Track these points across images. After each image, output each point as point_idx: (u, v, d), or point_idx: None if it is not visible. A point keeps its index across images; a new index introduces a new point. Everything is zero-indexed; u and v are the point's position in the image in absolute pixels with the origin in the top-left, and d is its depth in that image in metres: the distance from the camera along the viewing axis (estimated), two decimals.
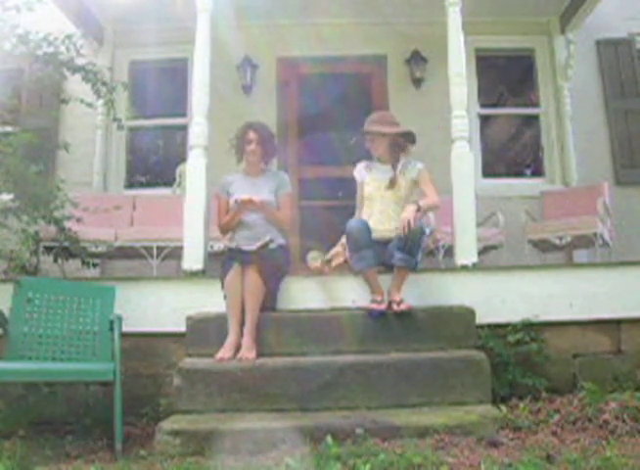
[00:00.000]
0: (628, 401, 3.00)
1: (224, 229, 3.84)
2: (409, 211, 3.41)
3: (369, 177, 3.80)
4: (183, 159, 5.07)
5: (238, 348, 3.27)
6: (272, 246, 3.57)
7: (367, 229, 3.52)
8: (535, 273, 3.81)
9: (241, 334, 3.31)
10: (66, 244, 4.28)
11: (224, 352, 3.23)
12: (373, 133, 3.76)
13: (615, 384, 3.34)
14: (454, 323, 3.39)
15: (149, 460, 2.68)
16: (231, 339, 3.29)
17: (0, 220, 3.76)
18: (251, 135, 3.80)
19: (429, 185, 3.72)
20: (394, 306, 3.37)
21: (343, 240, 3.68)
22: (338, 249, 3.74)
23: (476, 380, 3.06)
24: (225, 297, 3.45)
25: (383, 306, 3.40)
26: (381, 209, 3.69)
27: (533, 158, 6.45)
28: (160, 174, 6.40)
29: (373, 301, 3.46)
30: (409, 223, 3.34)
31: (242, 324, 3.33)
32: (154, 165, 6.74)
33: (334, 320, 3.44)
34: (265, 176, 3.84)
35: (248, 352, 3.22)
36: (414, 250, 3.39)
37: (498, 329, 3.51)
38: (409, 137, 3.80)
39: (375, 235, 3.56)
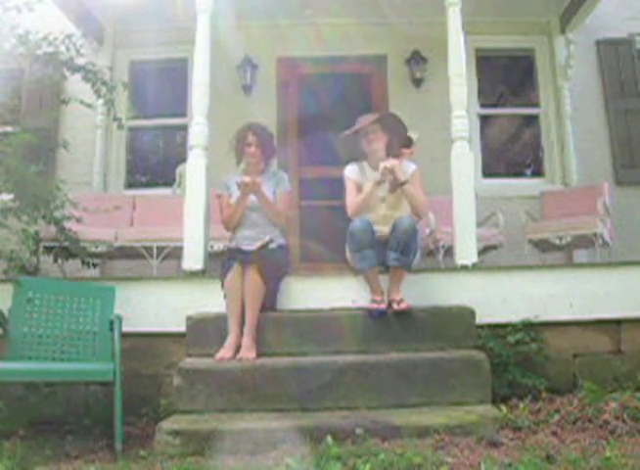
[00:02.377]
0: (628, 401, 3.00)
1: (229, 222, 3.76)
2: (392, 161, 3.45)
3: (366, 179, 3.72)
4: (183, 159, 5.07)
5: (238, 348, 3.27)
6: (272, 246, 3.57)
7: (370, 230, 3.48)
8: (535, 273, 3.81)
9: (241, 334, 3.31)
10: (66, 244, 4.27)
11: (224, 353, 3.23)
12: (366, 127, 3.69)
13: (615, 384, 3.34)
14: (454, 323, 3.39)
15: (149, 460, 2.68)
16: (231, 339, 3.30)
17: (0, 220, 3.76)
18: (251, 138, 3.78)
19: (417, 187, 3.64)
20: (394, 306, 3.38)
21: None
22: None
23: (476, 380, 3.06)
24: (225, 297, 3.45)
25: (383, 306, 3.40)
26: (382, 213, 3.66)
27: (533, 158, 6.45)
28: (160, 174, 6.40)
29: (373, 301, 3.46)
30: (389, 169, 3.40)
31: (242, 324, 3.33)
32: (154, 165, 6.74)
33: (334, 320, 3.44)
34: (265, 176, 3.83)
35: (247, 352, 3.22)
36: (407, 249, 3.40)
37: (498, 329, 3.51)
38: (404, 139, 3.75)
39: (375, 235, 3.56)
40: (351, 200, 3.70)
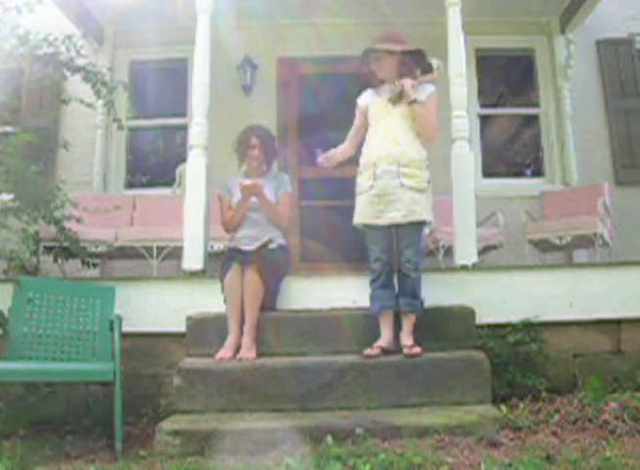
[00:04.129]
0: (628, 401, 3.00)
1: (229, 224, 3.77)
2: (407, 81, 3.32)
3: (376, 99, 3.52)
4: (183, 159, 5.07)
5: (238, 348, 3.27)
6: (272, 246, 3.57)
7: (388, 269, 3.32)
8: (535, 273, 3.81)
9: (241, 334, 3.31)
10: (66, 244, 4.27)
11: (224, 352, 3.23)
12: (378, 51, 3.49)
13: (615, 384, 3.34)
14: (454, 323, 3.39)
15: (149, 460, 2.68)
16: (231, 339, 3.30)
17: (0, 220, 3.76)
18: (254, 141, 3.79)
19: (431, 110, 3.42)
20: (405, 350, 3.20)
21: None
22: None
23: (476, 380, 3.06)
24: (225, 297, 3.45)
25: (375, 351, 3.20)
26: (386, 125, 3.39)
27: (533, 158, 6.45)
28: (160, 174, 6.40)
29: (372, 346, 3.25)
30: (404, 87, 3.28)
31: (242, 324, 3.33)
32: (154, 165, 6.74)
33: (334, 320, 3.44)
34: (266, 178, 3.84)
35: (247, 352, 3.22)
36: (416, 293, 3.29)
37: (498, 329, 3.50)
38: (418, 58, 3.51)
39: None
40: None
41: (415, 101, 3.36)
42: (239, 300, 3.35)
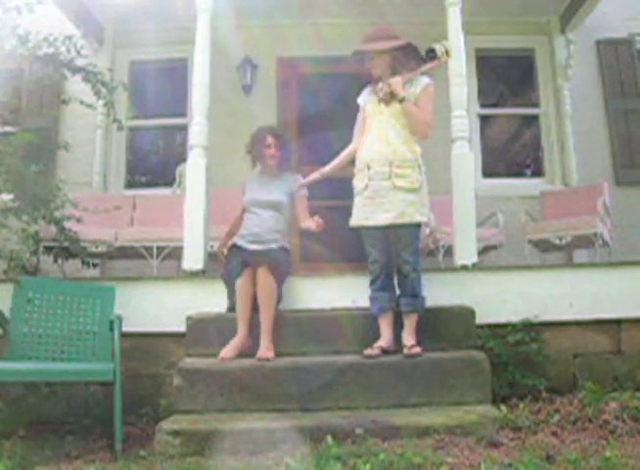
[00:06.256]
0: (628, 401, 3.00)
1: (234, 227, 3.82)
2: (394, 80, 3.29)
3: (371, 98, 3.50)
4: (183, 159, 5.07)
5: (242, 349, 3.29)
6: (273, 246, 3.56)
7: (386, 272, 3.34)
8: (535, 273, 3.81)
9: (248, 335, 3.33)
10: (66, 244, 4.27)
11: (226, 352, 3.23)
12: (370, 52, 3.43)
13: (615, 384, 3.34)
14: (454, 323, 3.39)
15: (149, 460, 2.68)
16: (237, 339, 3.31)
17: (0, 220, 3.76)
18: (270, 140, 3.77)
19: (426, 104, 3.36)
20: (405, 350, 3.21)
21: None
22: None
23: (476, 380, 3.06)
24: (228, 295, 3.48)
25: (375, 351, 3.20)
26: (378, 124, 3.38)
27: (533, 158, 6.45)
28: (160, 174, 6.40)
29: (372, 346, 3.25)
30: (391, 88, 3.26)
31: (250, 325, 3.34)
32: (154, 165, 6.74)
33: (334, 320, 3.44)
34: (281, 179, 3.83)
35: (267, 352, 3.22)
36: (416, 291, 3.29)
37: (498, 329, 3.51)
38: (411, 52, 3.43)
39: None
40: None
41: (404, 99, 3.32)
42: (249, 302, 3.36)
